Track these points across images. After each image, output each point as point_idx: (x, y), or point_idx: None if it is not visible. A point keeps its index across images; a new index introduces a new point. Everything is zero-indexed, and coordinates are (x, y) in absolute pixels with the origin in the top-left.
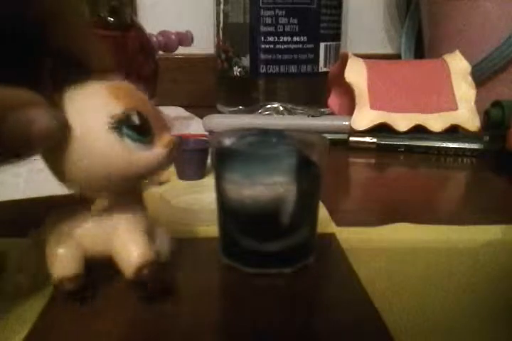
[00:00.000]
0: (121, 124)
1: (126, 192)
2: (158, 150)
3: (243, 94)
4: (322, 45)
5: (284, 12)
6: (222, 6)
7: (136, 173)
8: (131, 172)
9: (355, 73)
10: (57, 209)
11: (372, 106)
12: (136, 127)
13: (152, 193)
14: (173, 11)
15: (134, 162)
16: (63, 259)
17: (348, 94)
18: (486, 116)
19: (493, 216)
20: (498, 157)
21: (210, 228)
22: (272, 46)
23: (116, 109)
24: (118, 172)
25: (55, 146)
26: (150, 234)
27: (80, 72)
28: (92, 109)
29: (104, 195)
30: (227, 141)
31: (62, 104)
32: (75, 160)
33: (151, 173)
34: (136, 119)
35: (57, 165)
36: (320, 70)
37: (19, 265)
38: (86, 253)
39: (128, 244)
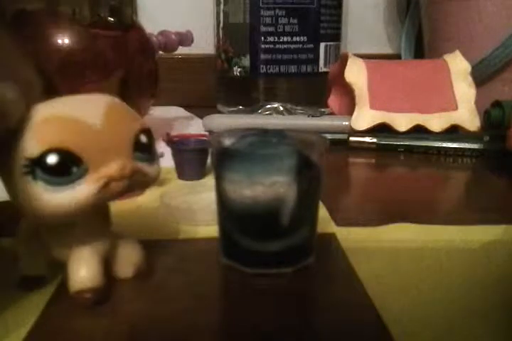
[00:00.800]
0: (35, 167)
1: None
2: (82, 189)
3: (243, 94)
4: (322, 45)
5: (284, 12)
6: (222, 6)
7: (55, 214)
8: (46, 213)
9: (355, 73)
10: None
11: (372, 106)
12: (51, 169)
13: (152, 193)
14: (173, 11)
15: (44, 205)
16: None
17: (348, 94)
18: (486, 116)
19: (493, 216)
20: (498, 157)
21: (210, 228)
22: (272, 46)
23: (34, 149)
24: (34, 212)
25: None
26: (110, 251)
27: None
28: (18, 143)
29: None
30: (227, 141)
31: None
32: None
33: (80, 210)
34: (52, 160)
35: None
36: (320, 70)
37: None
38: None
39: (79, 264)
